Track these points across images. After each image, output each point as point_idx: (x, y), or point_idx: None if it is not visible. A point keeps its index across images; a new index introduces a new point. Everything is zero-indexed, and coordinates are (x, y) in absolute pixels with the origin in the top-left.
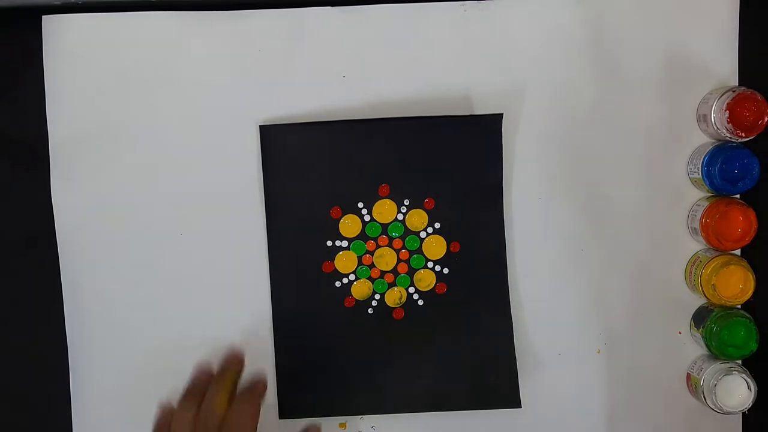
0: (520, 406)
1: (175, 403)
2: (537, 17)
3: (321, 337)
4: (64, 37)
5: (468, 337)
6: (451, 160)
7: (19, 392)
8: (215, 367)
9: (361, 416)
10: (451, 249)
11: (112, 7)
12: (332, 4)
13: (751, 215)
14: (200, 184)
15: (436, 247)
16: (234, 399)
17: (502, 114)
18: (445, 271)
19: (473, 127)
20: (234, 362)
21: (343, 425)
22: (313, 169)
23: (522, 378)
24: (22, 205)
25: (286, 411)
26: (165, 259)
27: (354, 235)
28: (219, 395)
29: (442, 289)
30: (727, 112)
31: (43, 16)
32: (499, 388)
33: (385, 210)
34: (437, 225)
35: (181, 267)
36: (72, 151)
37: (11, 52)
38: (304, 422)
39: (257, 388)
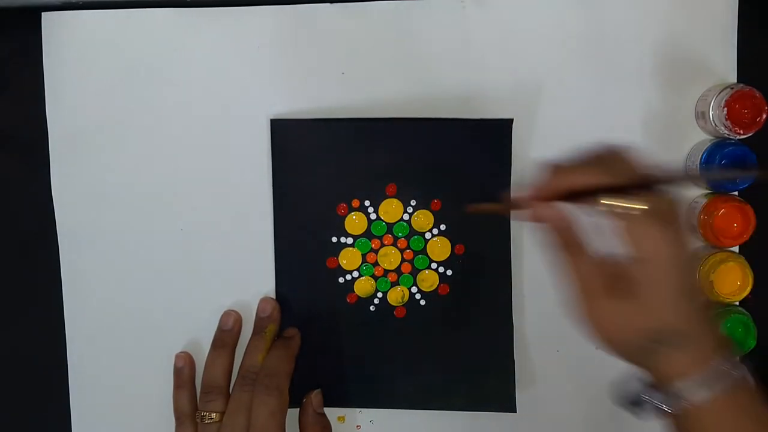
0: (515, 411)
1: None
2: (535, 14)
3: (323, 331)
4: (64, 34)
5: (468, 339)
6: (460, 163)
7: (18, 392)
8: (236, 316)
9: (360, 410)
10: (456, 251)
11: (111, 4)
12: (331, 1)
13: (749, 212)
14: (201, 179)
15: (440, 248)
16: (271, 347)
17: (512, 119)
18: (449, 273)
19: (484, 131)
20: (271, 320)
21: (341, 418)
22: (322, 165)
23: (519, 375)
24: (22, 202)
25: None
26: (168, 255)
27: (359, 233)
28: (261, 353)
29: (445, 290)
30: (725, 109)
31: (43, 13)
32: (496, 392)
33: (391, 209)
34: (443, 227)
35: (185, 263)
36: (72, 147)
37: (10, 48)
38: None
39: (294, 339)
